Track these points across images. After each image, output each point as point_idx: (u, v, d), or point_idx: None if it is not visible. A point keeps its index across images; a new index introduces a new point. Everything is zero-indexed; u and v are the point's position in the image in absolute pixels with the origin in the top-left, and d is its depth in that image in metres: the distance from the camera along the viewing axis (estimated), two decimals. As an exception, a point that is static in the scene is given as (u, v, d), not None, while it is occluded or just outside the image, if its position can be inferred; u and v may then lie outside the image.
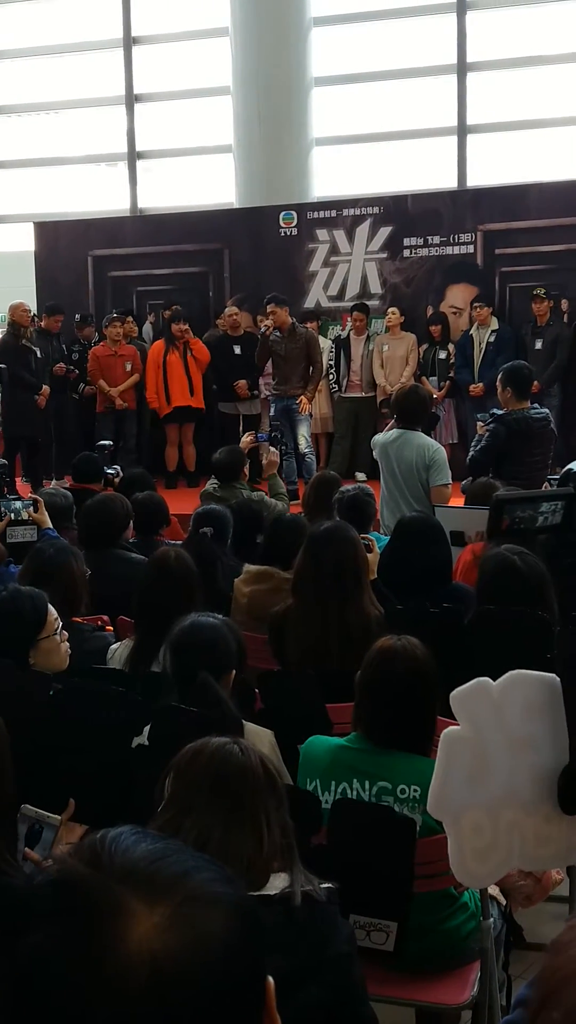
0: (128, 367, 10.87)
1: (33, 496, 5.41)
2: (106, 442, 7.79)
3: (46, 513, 5.14)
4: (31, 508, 5.13)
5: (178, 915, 0.81)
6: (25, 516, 5.11)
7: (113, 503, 5.31)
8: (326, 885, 1.95)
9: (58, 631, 3.42)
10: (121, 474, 6.86)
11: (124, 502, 5.41)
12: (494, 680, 2.34)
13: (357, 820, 2.66)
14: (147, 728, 2.89)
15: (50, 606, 3.43)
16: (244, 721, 2.95)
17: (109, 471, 6.75)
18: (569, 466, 6.17)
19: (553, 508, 4.83)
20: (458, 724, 2.31)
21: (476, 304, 10.45)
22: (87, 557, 4.62)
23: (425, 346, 10.77)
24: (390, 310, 10.78)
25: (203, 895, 0.83)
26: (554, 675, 2.28)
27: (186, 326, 10.72)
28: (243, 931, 0.84)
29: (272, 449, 7.22)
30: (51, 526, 5.12)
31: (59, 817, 2.51)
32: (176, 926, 0.80)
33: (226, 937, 0.82)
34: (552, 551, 4.39)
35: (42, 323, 10.88)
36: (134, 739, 2.89)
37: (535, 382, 7.79)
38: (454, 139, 13.19)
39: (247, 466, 6.93)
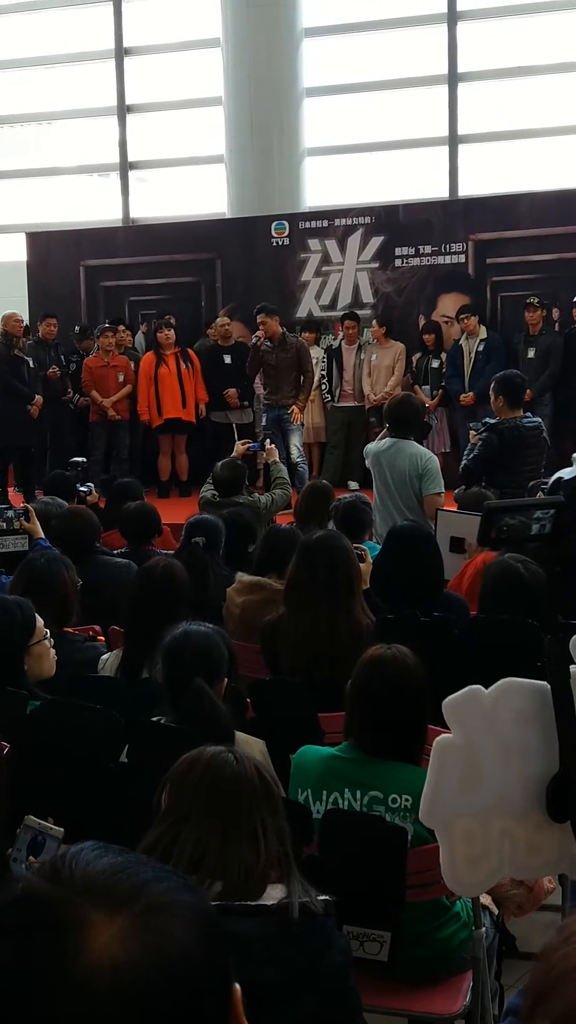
0: (120, 378, 10.87)
1: (25, 505, 5.39)
2: (79, 459, 7.67)
3: (38, 523, 5.13)
4: (23, 518, 5.11)
5: (137, 924, 0.82)
6: (16, 526, 5.09)
7: (83, 513, 5.40)
8: (323, 897, 1.95)
9: (47, 636, 3.44)
10: (94, 491, 6.82)
11: (87, 510, 5.53)
12: (486, 688, 2.34)
13: (348, 830, 2.65)
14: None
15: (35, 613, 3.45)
16: (236, 731, 2.95)
17: (82, 488, 6.69)
18: (559, 474, 6.17)
19: (547, 515, 4.81)
20: (443, 732, 2.30)
21: (463, 315, 10.47)
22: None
23: (418, 355, 10.79)
24: (373, 322, 10.82)
25: (162, 904, 0.85)
26: (545, 683, 2.28)
27: (170, 331, 10.70)
28: (204, 938, 0.85)
29: (268, 445, 7.23)
30: (43, 536, 5.11)
31: (61, 829, 2.53)
32: (135, 935, 0.82)
33: (186, 944, 0.83)
34: (542, 559, 4.39)
35: (39, 332, 10.88)
36: (116, 757, 2.89)
37: (527, 391, 7.80)
38: (445, 149, 13.22)
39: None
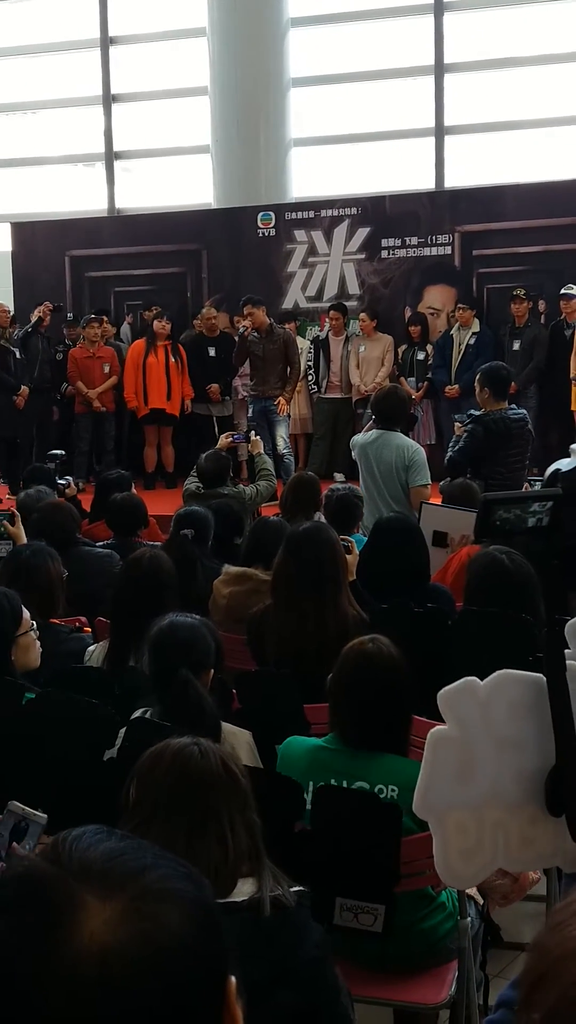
0: (106, 369, 10.84)
1: (11, 510, 5.32)
2: (57, 452, 7.61)
3: (22, 528, 5.06)
4: (7, 521, 5.02)
5: (130, 910, 0.82)
6: (0, 530, 5.01)
7: (63, 505, 5.39)
8: (296, 888, 1.94)
9: (33, 627, 3.43)
10: (72, 484, 6.81)
11: (67, 503, 5.53)
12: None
13: (341, 806, 2.66)
14: (120, 738, 2.88)
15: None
16: (222, 722, 2.95)
17: (61, 482, 6.67)
18: (555, 465, 6.18)
19: (544, 508, 4.82)
20: (435, 724, 2.30)
21: (460, 306, 10.47)
22: None
23: (404, 347, 10.79)
24: (361, 315, 10.80)
25: (157, 890, 0.85)
26: (541, 675, 2.27)
27: (167, 323, 10.69)
28: (199, 927, 0.85)
29: (253, 436, 7.23)
30: (26, 542, 5.03)
31: (45, 815, 2.51)
32: (128, 920, 0.82)
33: (180, 932, 0.83)
34: (539, 552, 4.39)
35: (40, 316, 10.81)
36: (105, 752, 2.88)
37: (512, 383, 7.80)
38: (431, 140, 13.22)
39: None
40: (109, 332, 11.28)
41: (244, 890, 1.89)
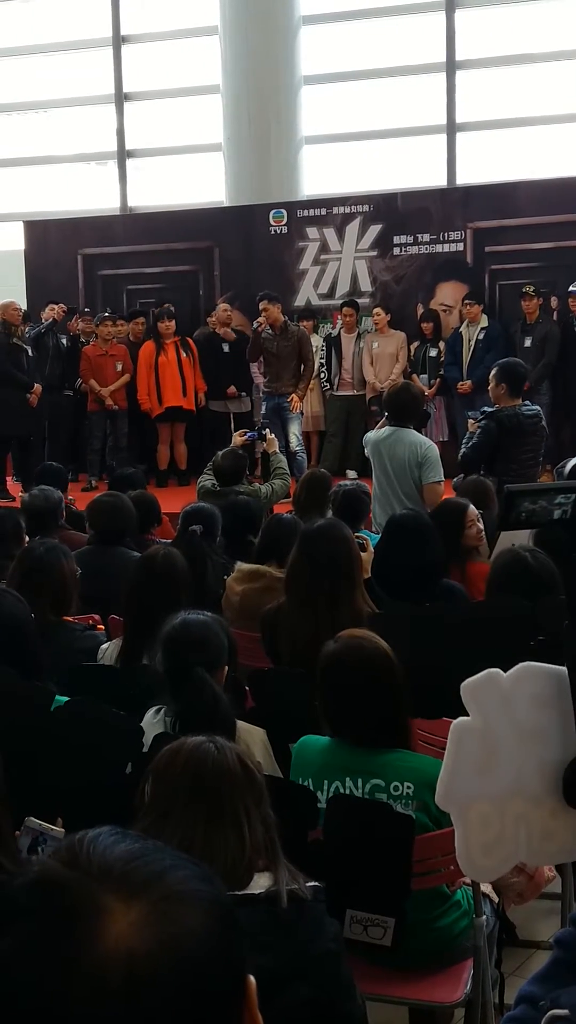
0: (119, 367, 10.84)
1: None
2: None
3: None
4: None
5: (154, 913, 0.82)
6: None
7: (131, 501, 5.40)
8: (312, 883, 1.95)
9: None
10: (74, 505, 6.82)
11: (136, 498, 5.54)
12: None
13: (355, 816, 2.65)
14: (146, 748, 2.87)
15: None
16: (237, 720, 2.94)
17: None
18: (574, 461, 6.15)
19: (569, 500, 4.79)
20: (426, 725, 2.29)
21: (467, 301, 10.45)
22: (97, 553, 4.68)
23: (416, 343, 10.77)
24: (376, 309, 10.78)
25: (180, 893, 0.84)
26: (563, 668, 2.26)
27: (171, 322, 10.69)
28: (221, 929, 0.84)
29: (268, 435, 7.23)
30: None
31: (62, 830, 2.51)
32: (152, 923, 0.81)
33: (203, 934, 0.83)
34: (568, 544, 4.36)
35: (54, 318, 10.82)
36: (128, 764, 2.88)
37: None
38: (443, 137, 13.19)
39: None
40: (122, 333, 11.25)
41: (261, 883, 1.90)
